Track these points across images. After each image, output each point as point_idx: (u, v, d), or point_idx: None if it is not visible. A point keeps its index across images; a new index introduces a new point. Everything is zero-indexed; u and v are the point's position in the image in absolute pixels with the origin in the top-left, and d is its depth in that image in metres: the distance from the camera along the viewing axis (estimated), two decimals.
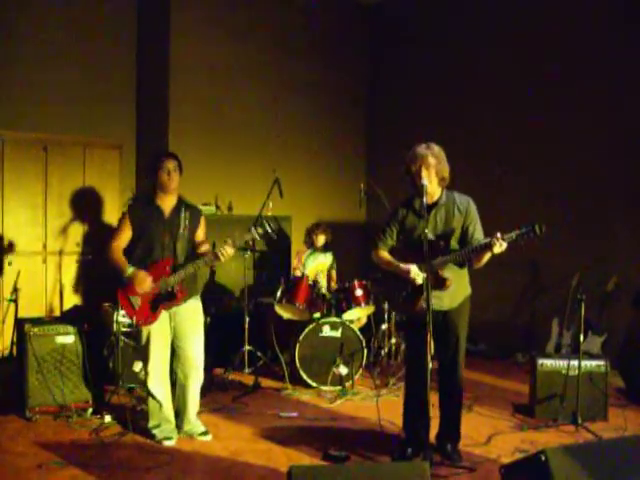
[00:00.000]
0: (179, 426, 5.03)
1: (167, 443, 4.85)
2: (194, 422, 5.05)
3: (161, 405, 4.97)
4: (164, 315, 4.89)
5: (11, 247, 7.28)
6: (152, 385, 4.96)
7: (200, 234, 5.06)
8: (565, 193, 7.48)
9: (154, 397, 4.97)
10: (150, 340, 4.90)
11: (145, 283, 4.78)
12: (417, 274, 4.36)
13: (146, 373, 4.99)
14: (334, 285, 7.13)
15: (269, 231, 4.91)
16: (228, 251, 4.72)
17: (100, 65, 7.93)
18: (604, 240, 7.13)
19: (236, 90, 8.47)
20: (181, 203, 5.00)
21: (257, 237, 4.83)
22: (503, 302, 8.00)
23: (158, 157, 4.99)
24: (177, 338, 4.96)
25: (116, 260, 4.88)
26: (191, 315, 4.99)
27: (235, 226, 7.23)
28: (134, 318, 4.88)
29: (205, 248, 5.04)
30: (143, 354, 5.02)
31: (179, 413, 5.05)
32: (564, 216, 7.35)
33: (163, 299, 4.84)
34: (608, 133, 7.17)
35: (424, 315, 4.00)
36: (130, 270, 4.81)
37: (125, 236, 4.93)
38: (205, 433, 5.00)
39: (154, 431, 4.94)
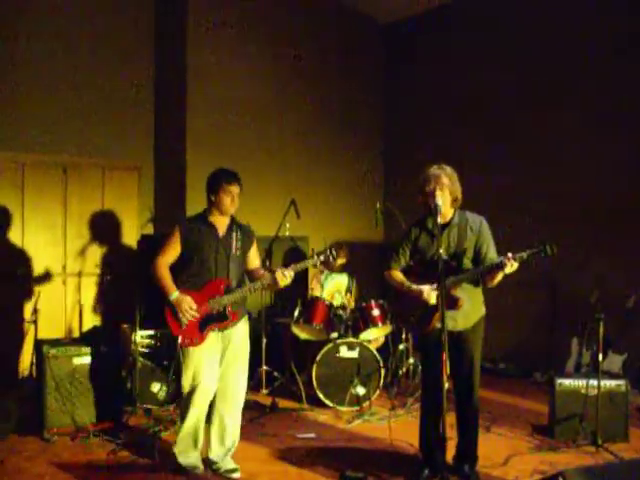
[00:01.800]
0: (210, 460, 4.76)
1: (195, 472, 4.67)
2: (227, 459, 4.76)
3: (195, 433, 4.70)
4: (214, 336, 4.63)
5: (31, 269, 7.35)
6: (189, 410, 4.64)
7: (252, 257, 4.87)
8: (582, 210, 7.42)
9: (187, 423, 4.67)
10: (196, 361, 4.60)
11: (190, 312, 4.55)
12: (430, 294, 4.37)
13: (185, 397, 4.65)
14: (350, 305, 7.09)
15: (330, 259, 4.78)
16: (287, 274, 4.57)
17: (118, 87, 8.01)
18: (623, 257, 7.07)
19: (253, 111, 8.51)
20: (234, 223, 4.80)
21: (318, 264, 4.76)
22: (522, 321, 7.94)
23: (225, 177, 4.73)
24: (223, 364, 4.69)
25: (162, 277, 4.64)
26: (242, 340, 4.76)
27: None
28: (180, 337, 4.59)
29: (261, 273, 4.82)
30: (183, 374, 4.65)
31: (211, 445, 4.76)
32: (582, 233, 7.32)
33: (213, 319, 4.61)
34: (625, 149, 7.14)
35: (438, 335, 3.99)
36: (175, 295, 4.57)
37: (174, 252, 4.69)
38: (234, 470, 4.69)
39: (180, 458, 4.69)
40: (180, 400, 4.79)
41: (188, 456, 4.71)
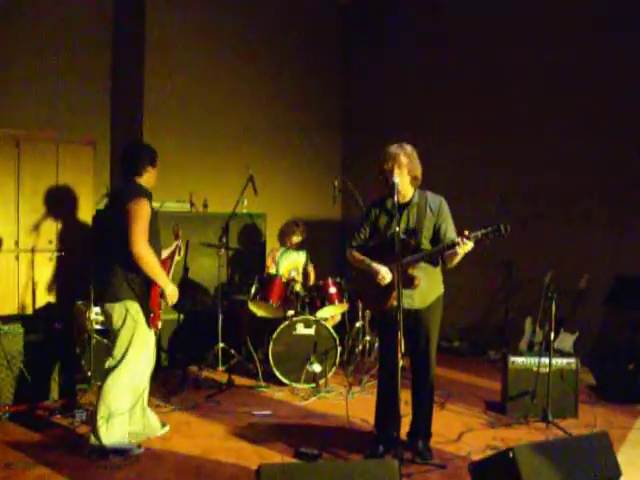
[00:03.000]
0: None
1: (136, 452, 4.61)
2: (152, 418, 4.88)
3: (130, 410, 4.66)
4: None
5: None
6: (137, 389, 4.63)
7: None
8: (538, 192, 7.53)
9: (129, 404, 4.60)
10: (152, 341, 4.65)
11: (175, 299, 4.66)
12: (385, 275, 4.39)
13: (134, 378, 4.57)
14: (314, 281, 7.11)
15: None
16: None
17: (74, 61, 7.84)
18: (577, 238, 7.20)
19: (211, 87, 8.44)
20: None
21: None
22: (477, 300, 8.05)
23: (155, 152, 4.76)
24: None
25: (156, 263, 4.47)
26: None
27: (210, 224, 7.25)
28: (155, 321, 4.59)
29: None
30: (138, 356, 4.55)
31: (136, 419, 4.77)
32: (537, 214, 7.42)
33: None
34: (581, 133, 7.24)
35: (395, 313, 4.02)
36: (172, 285, 4.59)
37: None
38: (164, 425, 4.90)
39: (115, 440, 4.50)
40: (116, 383, 4.53)
41: (124, 436, 4.58)
